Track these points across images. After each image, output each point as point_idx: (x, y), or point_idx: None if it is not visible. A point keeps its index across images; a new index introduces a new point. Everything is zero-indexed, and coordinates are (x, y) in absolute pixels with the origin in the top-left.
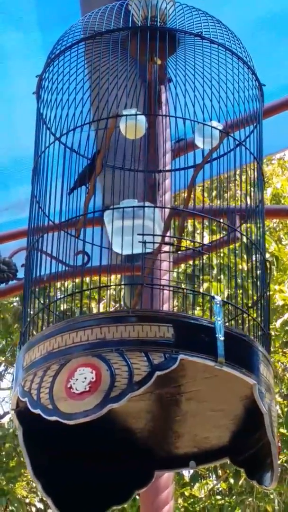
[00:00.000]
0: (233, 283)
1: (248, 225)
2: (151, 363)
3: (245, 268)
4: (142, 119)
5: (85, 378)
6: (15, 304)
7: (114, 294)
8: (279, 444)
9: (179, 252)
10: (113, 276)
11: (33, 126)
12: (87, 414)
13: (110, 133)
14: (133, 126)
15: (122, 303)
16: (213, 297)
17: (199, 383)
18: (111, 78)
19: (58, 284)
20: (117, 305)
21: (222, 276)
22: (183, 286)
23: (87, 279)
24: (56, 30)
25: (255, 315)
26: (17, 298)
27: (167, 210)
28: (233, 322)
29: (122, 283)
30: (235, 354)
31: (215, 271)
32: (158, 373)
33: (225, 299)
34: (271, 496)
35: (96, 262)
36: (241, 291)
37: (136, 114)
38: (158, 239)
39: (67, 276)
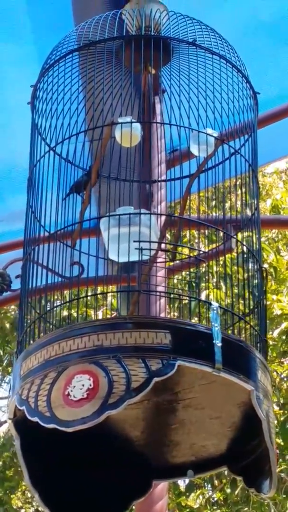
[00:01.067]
0: (230, 291)
1: (244, 232)
2: (148, 369)
3: (242, 276)
4: (137, 126)
5: (83, 385)
6: (12, 312)
7: (111, 303)
8: (277, 451)
9: (176, 260)
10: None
11: (29, 136)
12: (85, 421)
13: (105, 141)
14: (128, 133)
15: (120, 310)
16: (210, 304)
17: (196, 390)
18: (106, 87)
19: (54, 294)
20: (115, 313)
21: (221, 283)
22: (180, 292)
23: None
24: (50, 40)
25: (252, 322)
26: (13, 307)
27: (163, 219)
28: (230, 330)
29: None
30: (233, 360)
31: (214, 279)
32: (156, 379)
33: (224, 307)
34: (267, 506)
35: (91, 272)
36: (239, 298)
37: (131, 122)
38: (154, 246)
39: (63, 286)
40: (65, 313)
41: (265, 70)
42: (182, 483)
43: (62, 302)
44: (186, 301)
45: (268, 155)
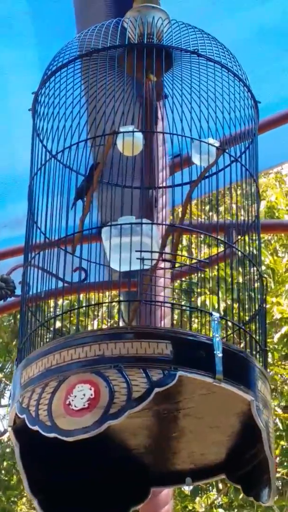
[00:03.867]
0: (230, 298)
1: (243, 239)
2: (149, 379)
3: (241, 284)
4: (139, 136)
5: (84, 394)
6: (12, 321)
7: (108, 310)
8: (276, 461)
9: (175, 268)
10: (108, 293)
11: (30, 142)
12: (86, 431)
13: (107, 150)
14: (130, 143)
15: (120, 319)
16: (211, 314)
17: (196, 399)
18: (108, 95)
19: (56, 301)
20: (112, 321)
21: (219, 291)
22: (180, 302)
23: (81, 296)
24: (53, 44)
25: (253, 328)
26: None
27: (164, 228)
28: (229, 338)
29: (120, 299)
30: (233, 371)
31: (211, 284)
32: (157, 389)
33: (223, 315)
34: (272, 510)
35: (93, 278)
36: (237, 305)
37: (133, 131)
38: (156, 255)
39: (65, 292)
40: (64, 322)
41: (267, 76)
42: (187, 487)
43: (62, 311)
44: (187, 310)
45: (269, 160)
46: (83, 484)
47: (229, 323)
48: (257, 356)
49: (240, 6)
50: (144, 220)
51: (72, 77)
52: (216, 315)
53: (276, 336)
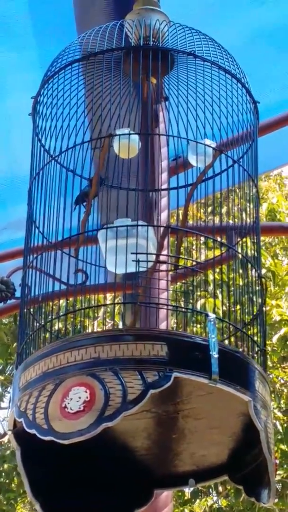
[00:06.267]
0: (230, 300)
1: (244, 241)
2: (145, 381)
3: (241, 286)
4: (135, 138)
5: (80, 397)
6: (12, 323)
7: (109, 312)
8: (276, 461)
9: (171, 270)
10: (108, 295)
11: (30, 144)
12: (81, 434)
13: (104, 152)
14: (126, 145)
15: (120, 322)
16: (207, 315)
17: (195, 400)
18: (107, 98)
19: (55, 303)
20: (112, 322)
21: (219, 292)
22: (178, 304)
23: (81, 298)
24: (52, 46)
25: (254, 331)
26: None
27: (162, 229)
28: (226, 341)
29: (119, 301)
30: (230, 371)
31: (211, 287)
32: (152, 391)
33: (220, 317)
34: None
35: (93, 280)
36: (238, 307)
37: (129, 134)
38: (152, 257)
39: (64, 295)
40: (63, 324)
41: (267, 78)
42: (187, 490)
43: (63, 313)
44: (184, 312)
45: (270, 163)
46: (85, 487)
47: (227, 325)
48: (256, 357)
49: (238, 8)
50: (140, 222)
51: (71, 80)
52: (212, 316)
53: (275, 338)
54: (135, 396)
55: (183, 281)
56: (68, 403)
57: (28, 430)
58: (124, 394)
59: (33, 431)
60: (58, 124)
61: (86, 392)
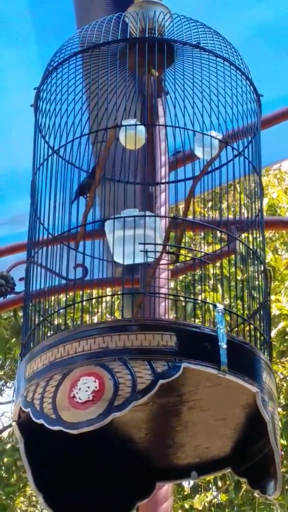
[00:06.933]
0: (234, 292)
1: (247, 234)
2: (154, 371)
3: (246, 277)
4: (141, 129)
5: (88, 387)
6: (13, 318)
7: (110, 306)
8: (282, 453)
9: (179, 262)
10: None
11: (31, 139)
12: (91, 423)
13: (109, 144)
14: (133, 136)
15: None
16: (215, 306)
17: (201, 392)
18: (109, 90)
19: (57, 297)
20: (113, 317)
21: (223, 284)
22: (185, 295)
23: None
24: (53, 43)
25: (257, 323)
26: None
27: (167, 221)
28: (234, 330)
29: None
30: (238, 362)
31: (215, 279)
32: (161, 381)
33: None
34: (273, 507)
35: (95, 275)
36: (242, 298)
37: (135, 124)
38: (159, 248)
39: (66, 289)
40: (68, 317)
41: (267, 75)
42: (186, 484)
43: (66, 305)
44: (190, 303)
45: (269, 158)
46: (88, 479)
47: (234, 316)
48: (262, 348)
49: (238, 6)
50: (148, 213)
51: (74, 72)
52: (220, 306)
53: (274, 332)
54: (145, 386)
55: (190, 272)
56: (77, 393)
57: (35, 420)
58: (134, 384)
59: (40, 421)
60: (61, 118)
61: (95, 382)
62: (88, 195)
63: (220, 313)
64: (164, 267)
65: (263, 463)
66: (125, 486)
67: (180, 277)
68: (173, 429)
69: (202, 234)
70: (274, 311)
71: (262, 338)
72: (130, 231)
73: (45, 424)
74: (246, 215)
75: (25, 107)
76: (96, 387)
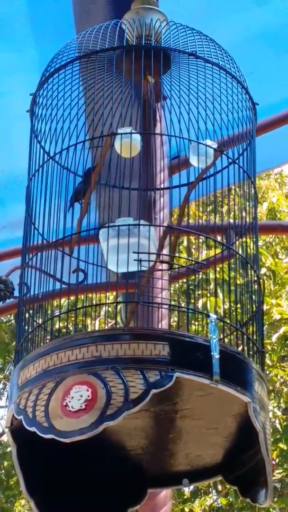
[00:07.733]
0: (227, 300)
1: (243, 240)
2: (146, 381)
3: (240, 285)
4: (137, 137)
5: (81, 396)
6: (13, 321)
7: (110, 311)
8: (273, 462)
9: (173, 270)
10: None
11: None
12: (83, 432)
13: (105, 151)
14: (128, 144)
15: (119, 319)
16: (208, 315)
17: (193, 401)
18: (106, 96)
19: (54, 302)
20: (113, 321)
21: (219, 292)
22: (179, 303)
23: (82, 297)
24: (51, 47)
25: (250, 330)
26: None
27: (161, 229)
28: (226, 339)
29: (118, 300)
30: (230, 372)
31: (211, 286)
32: (154, 391)
33: (220, 317)
34: (273, 511)
35: (89, 280)
36: (235, 307)
37: (131, 133)
38: (153, 257)
39: (63, 294)
40: (63, 324)
41: (267, 77)
42: (187, 489)
43: (60, 312)
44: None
45: (270, 161)
46: (80, 485)
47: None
48: (254, 357)
49: (238, 7)
50: (142, 222)
51: (70, 79)
52: (213, 316)
53: (275, 337)
54: (137, 395)
55: (184, 280)
56: (69, 402)
57: (28, 428)
58: (126, 393)
59: (33, 429)
60: (57, 124)
61: (87, 390)
62: (83, 201)
63: (213, 323)
64: (158, 275)
65: (254, 472)
66: (117, 492)
67: (175, 285)
68: (165, 437)
69: (202, 239)
70: (275, 315)
71: (254, 347)
72: (124, 239)
73: (38, 432)
74: (241, 222)
75: (23, 111)
76: (88, 396)
